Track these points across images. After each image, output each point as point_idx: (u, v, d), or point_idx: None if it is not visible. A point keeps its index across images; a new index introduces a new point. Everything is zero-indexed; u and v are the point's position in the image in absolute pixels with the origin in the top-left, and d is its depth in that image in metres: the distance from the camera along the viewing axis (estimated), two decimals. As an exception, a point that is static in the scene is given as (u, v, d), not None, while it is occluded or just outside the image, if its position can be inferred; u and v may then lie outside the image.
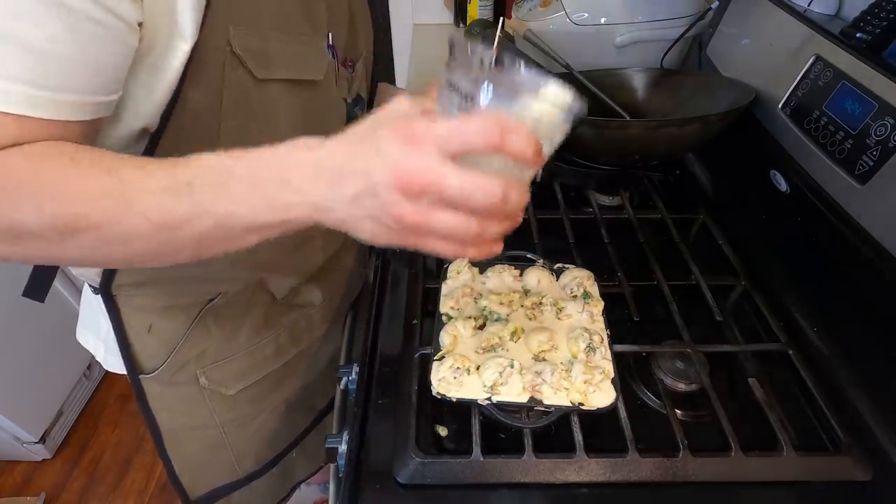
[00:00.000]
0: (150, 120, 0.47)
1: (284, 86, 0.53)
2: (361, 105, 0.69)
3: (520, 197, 0.35)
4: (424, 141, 0.33)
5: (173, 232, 0.38)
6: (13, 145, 0.37)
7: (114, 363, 0.69)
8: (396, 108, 0.37)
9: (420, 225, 0.34)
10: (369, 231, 0.37)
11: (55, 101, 0.37)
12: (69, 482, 1.54)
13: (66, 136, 0.39)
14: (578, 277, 0.64)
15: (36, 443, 1.52)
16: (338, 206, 0.36)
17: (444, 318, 0.60)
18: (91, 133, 0.42)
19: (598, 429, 0.54)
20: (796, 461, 0.50)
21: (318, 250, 0.72)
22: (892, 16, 0.62)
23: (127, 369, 0.67)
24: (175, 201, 0.37)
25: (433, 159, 0.33)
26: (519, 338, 0.57)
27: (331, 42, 0.58)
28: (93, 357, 0.72)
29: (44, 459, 1.58)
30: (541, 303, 0.61)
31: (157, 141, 0.47)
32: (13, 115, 0.36)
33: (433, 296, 0.64)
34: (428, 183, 0.33)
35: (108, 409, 1.71)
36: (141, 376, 0.68)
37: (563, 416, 0.53)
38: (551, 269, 0.66)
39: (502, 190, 0.33)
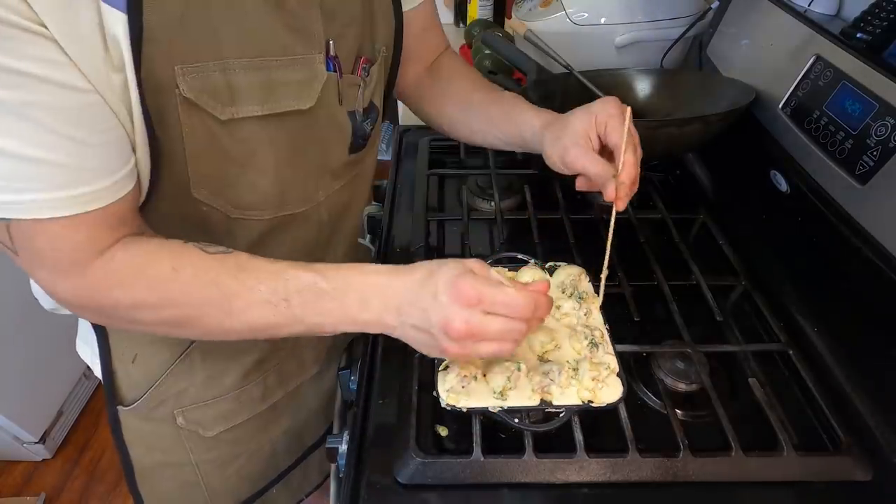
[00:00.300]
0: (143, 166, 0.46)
1: (261, 121, 0.49)
2: (373, 117, 0.62)
3: (546, 307, 0.46)
4: (472, 303, 0.43)
5: (266, 332, 0.47)
6: (91, 246, 0.43)
7: None
8: (454, 266, 0.45)
9: (459, 355, 0.45)
10: (420, 347, 0.48)
11: (84, 194, 0.41)
12: (69, 482, 1.54)
13: (117, 212, 0.44)
14: (572, 274, 0.64)
15: (36, 443, 1.52)
16: (400, 328, 0.47)
17: None
18: (136, 200, 0.47)
19: (599, 429, 0.54)
20: (796, 461, 0.50)
21: None
22: (892, 16, 0.62)
23: (106, 398, 0.65)
24: (274, 312, 0.46)
25: (475, 316, 0.43)
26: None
27: (332, 52, 0.52)
28: (92, 357, 0.72)
29: (44, 459, 1.58)
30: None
31: (156, 184, 0.47)
32: (66, 217, 0.40)
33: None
34: (470, 333, 0.43)
35: (108, 409, 1.72)
36: (119, 407, 0.65)
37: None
38: (544, 268, 0.66)
39: (530, 313, 0.44)
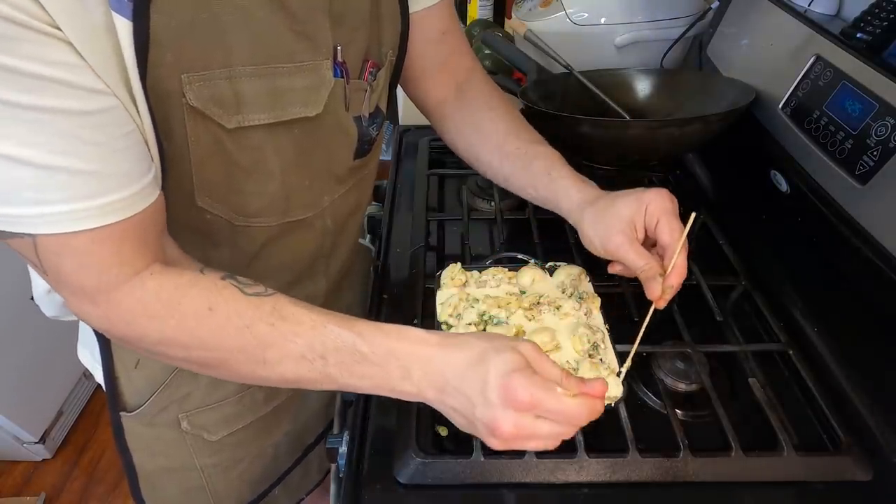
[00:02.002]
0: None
1: (268, 129, 0.48)
2: (379, 121, 0.61)
3: (600, 410, 0.43)
4: (524, 409, 0.40)
5: (298, 385, 0.46)
6: (118, 263, 0.41)
7: None
8: (508, 357, 0.42)
9: (501, 448, 0.43)
10: (459, 427, 0.45)
11: (110, 203, 0.39)
12: (69, 482, 1.54)
13: (143, 223, 0.42)
14: (572, 274, 0.64)
15: (36, 443, 1.52)
16: (438, 404, 0.45)
17: (443, 326, 0.60)
18: (161, 213, 0.45)
19: (599, 429, 0.54)
20: (796, 461, 0.50)
21: (319, 295, 0.69)
22: (892, 16, 0.62)
23: (109, 404, 0.64)
24: (309, 368, 0.44)
25: (526, 420, 0.41)
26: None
27: (339, 58, 0.51)
28: (93, 356, 0.71)
29: (44, 459, 1.58)
30: (538, 302, 0.61)
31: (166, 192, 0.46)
32: (94, 229, 0.38)
33: (433, 296, 0.64)
34: (518, 437, 0.41)
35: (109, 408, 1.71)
36: (122, 414, 0.65)
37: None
38: (544, 268, 0.66)
39: (585, 420, 0.42)
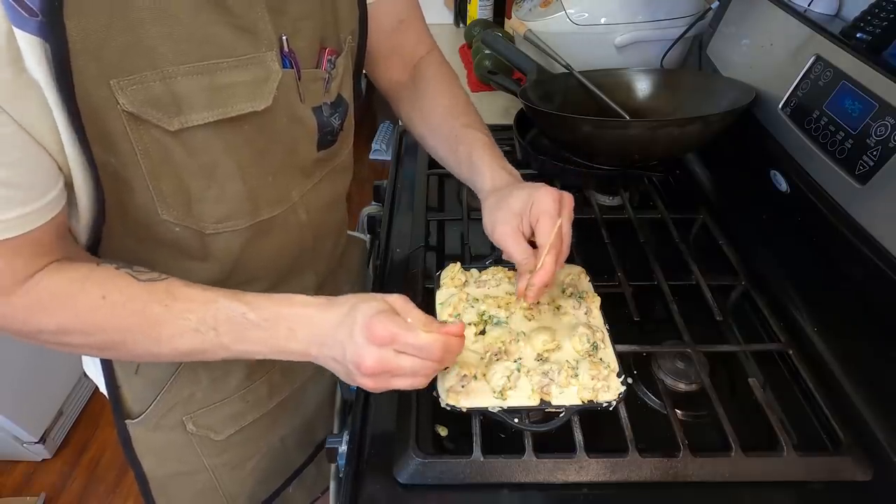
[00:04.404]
0: (87, 198, 0.45)
1: (215, 127, 0.46)
2: (342, 111, 0.59)
3: (458, 347, 0.48)
4: (384, 343, 0.45)
5: (194, 357, 0.49)
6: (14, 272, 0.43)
7: None
8: (374, 304, 0.47)
9: (374, 388, 0.47)
10: (340, 377, 0.49)
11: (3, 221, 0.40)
12: (69, 482, 1.54)
13: (45, 236, 0.43)
14: (571, 273, 0.64)
15: (36, 443, 1.52)
16: (322, 358, 0.49)
17: None
18: (63, 225, 0.46)
19: (599, 429, 0.54)
20: (796, 461, 0.50)
21: (309, 290, 0.69)
22: (892, 16, 0.62)
23: (114, 414, 0.65)
24: (202, 339, 0.47)
25: (387, 354, 0.45)
26: (521, 340, 0.57)
27: (286, 48, 0.49)
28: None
29: (44, 459, 1.58)
30: (538, 302, 0.61)
31: (103, 215, 0.46)
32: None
33: (433, 295, 0.64)
34: (381, 370, 0.45)
35: (108, 409, 1.70)
36: (127, 421, 0.65)
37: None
38: None
39: (441, 355, 0.46)
